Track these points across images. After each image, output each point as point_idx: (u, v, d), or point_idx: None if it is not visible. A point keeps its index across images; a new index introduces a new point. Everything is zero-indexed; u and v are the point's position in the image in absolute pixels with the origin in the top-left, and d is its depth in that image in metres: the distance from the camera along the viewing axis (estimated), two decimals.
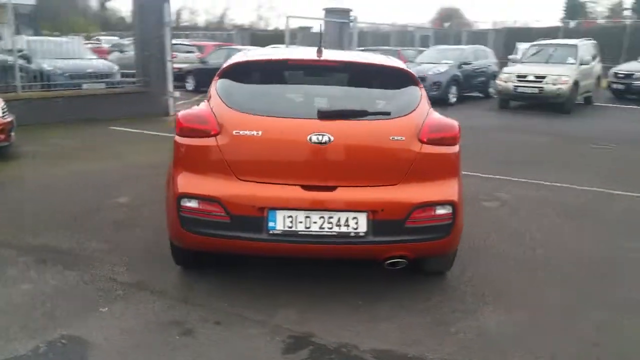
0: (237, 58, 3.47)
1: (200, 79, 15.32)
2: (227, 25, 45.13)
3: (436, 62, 14.96)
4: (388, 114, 3.06)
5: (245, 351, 2.70)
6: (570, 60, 13.53)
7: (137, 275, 3.54)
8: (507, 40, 21.92)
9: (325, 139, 2.89)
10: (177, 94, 11.80)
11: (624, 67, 15.81)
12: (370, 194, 2.95)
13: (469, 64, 15.17)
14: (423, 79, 14.10)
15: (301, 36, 21.01)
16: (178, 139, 3.14)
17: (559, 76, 12.80)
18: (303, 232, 2.92)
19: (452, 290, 3.43)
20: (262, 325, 2.94)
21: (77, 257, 3.83)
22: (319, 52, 3.51)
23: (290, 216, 2.92)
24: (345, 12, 15.22)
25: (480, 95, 15.97)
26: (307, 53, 3.56)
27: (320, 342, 2.78)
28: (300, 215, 2.92)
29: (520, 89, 13.18)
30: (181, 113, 3.20)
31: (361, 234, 2.93)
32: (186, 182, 3.05)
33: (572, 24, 22.52)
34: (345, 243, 2.94)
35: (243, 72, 3.32)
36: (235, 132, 2.97)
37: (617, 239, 4.42)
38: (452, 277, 3.58)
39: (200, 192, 3.00)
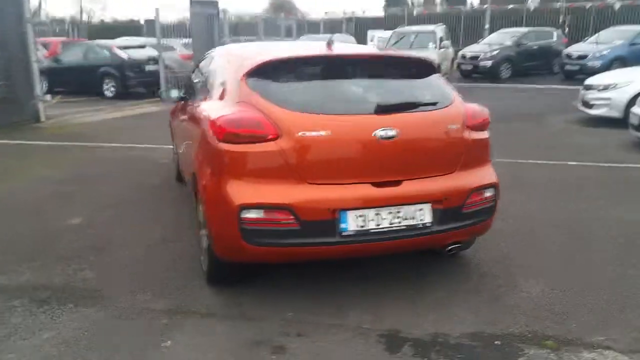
0: (262, 56, 3.25)
1: (56, 80, 13.63)
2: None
3: None
4: (435, 104, 3.16)
5: (354, 357, 2.64)
6: (431, 45, 14.85)
7: (170, 300, 3.21)
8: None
9: (391, 133, 2.90)
10: (48, 97, 10.50)
11: (470, 50, 17.77)
12: (432, 184, 3.04)
13: None
14: None
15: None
16: (224, 146, 2.90)
17: None
18: (375, 230, 2.92)
19: (477, 268, 3.67)
20: (344, 329, 2.89)
21: (81, 291, 3.33)
22: (329, 45, 3.47)
23: (362, 215, 2.89)
24: (213, 4, 14.76)
25: None
26: (320, 48, 3.49)
27: (412, 336, 2.83)
28: (371, 213, 2.91)
29: None
30: (223, 118, 2.94)
31: (427, 224, 3.01)
32: (245, 191, 2.84)
33: (415, 11, 24.71)
34: (414, 235, 3.00)
35: (277, 70, 3.13)
36: (301, 134, 2.83)
37: (562, 202, 5.07)
38: (465, 256, 3.82)
39: (267, 200, 2.82)
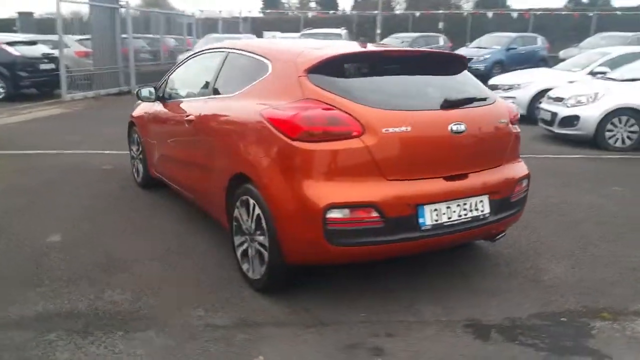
0: (325, 52, 3.14)
1: None
2: None
3: None
4: (486, 99, 3.28)
5: (456, 351, 2.67)
6: None
7: (230, 313, 2.98)
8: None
9: (462, 127, 2.97)
10: None
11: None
12: (490, 176, 3.16)
13: None
14: None
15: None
16: (301, 145, 2.77)
17: None
18: (448, 223, 2.97)
19: (498, 253, 3.88)
20: (426, 324, 2.91)
21: (119, 314, 2.96)
22: (364, 43, 3.47)
23: (436, 209, 2.93)
24: None
25: None
26: (364, 45, 3.46)
27: (490, 323, 2.92)
28: (443, 207, 2.96)
29: None
30: (299, 115, 2.80)
31: (487, 215, 3.13)
32: (330, 191, 2.73)
33: (309, 14, 25.11)
34: (476, 227, 3.10)
35: (338, 67, 3.04)
36: (385, 131, 2.79)
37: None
38: (482, 246, 4.02)
39: (353, 199, 2.74)
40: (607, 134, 7.81)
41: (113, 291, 3.22)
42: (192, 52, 4.64)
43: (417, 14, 23.05)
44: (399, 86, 3.14)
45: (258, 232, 3.12)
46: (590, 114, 7.83)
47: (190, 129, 3.96)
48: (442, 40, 20.14)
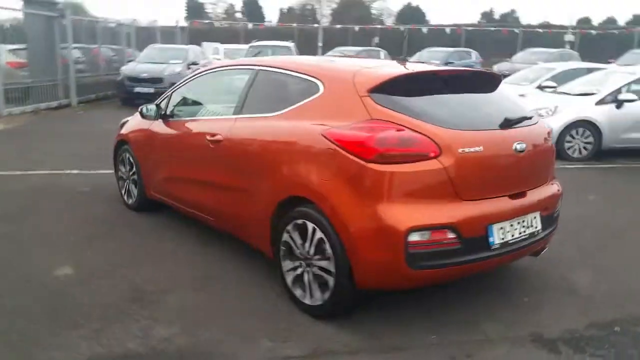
0: (384, 71, 3.10)
1: None
2: None
3: (163, 61, 14.35)
4: (531, 117, 3.37)
5: None
6: None
7: (298, 342, 2.85)
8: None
9: (524, 146, 3.04)
10: None
11: None
12: (541, 193, 3.25)
13: (197, 63, 15.16)
14: (160, 79, 13.52)
15: None
16: (378, 167, 2.71)
17: None
18: (512, 241, 3.02)
19: (519, 266, 3.96)
20: (497, 341, 2.93)
21: (182, 354, 2.73)
22: (404, 62, 3.48)
23: (502, 227, 2.97)
24: (52, 4, 12.92)
25: None
26: (417, 64, 3.45)
27: (553, 336, 2.98)
28: (508, 225, 3.00)
29: None
30: (375, 137, 2.74)
31: (539, 231, 3.21)
32: (411, 213, 2.69)
33: (250, 25, 24.85)
34: (531, 243, 3.17)
35: (400, 86, 3.01)
36: (461, 151, 2.79)
37: None
38: None
39: (433, 221, 2.71)
40: (566, 144, 8.31)
41: (160, 327, 2.98)
42: (202, 69, 4.43)
43: (357, 28, 23.59)
44: (461, 106, 3.17)
45: (317, 257, 3.02)
46: (552, 126, 8.29)
47: (216, 150, 3.77)
48: (382, 54, 20.68)
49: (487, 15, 48.64)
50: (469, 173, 2.85)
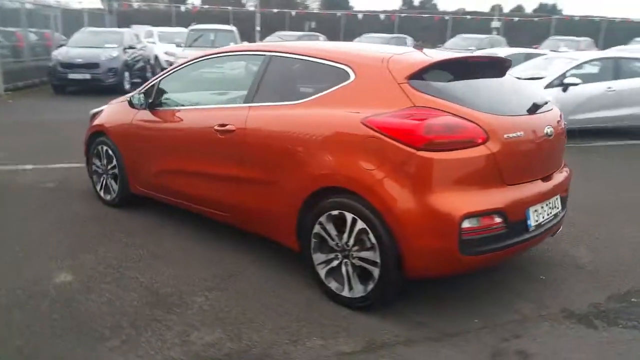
0: (420, 57, 3.03)
1: None
2: None
3: (97, 45, 13.46)
4: (547, 102, 3.44)
5: (586, 342, 2.80)
6: (232, 44, 14.78)
7: (349, 337, 2.78)
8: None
9: (552, 130, 3.11)
10: None
11: None
12: (560, 175, 3.35)
13: (134, 47, 14.40)
14: (96, 65, 12.73)
15: None
16: (429, 154, 2.68)
17: None
18: (543, 222, 3.10)
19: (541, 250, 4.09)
20: (538, 320, 3.00)
21: (230, 357, 2.58)
22: (420, 48, 3.45)
23: (536, 210, 3.04)
24: None
25: (140, 80, 15.36)
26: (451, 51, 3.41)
27: (584, 311, 3.10)
28: (540, 207, 3.08)
29: None
30: (423, 123, 2.69)
31: (560, 212, 3.33)
32: (463, 200, 2.68)
33: (182, 8, 23.73)
34: (556, 223, 3.28)
35: (437, 73, 2.98)
36: (506, 137, 2.81)
37: None
38: None
39: (484, 207, 2.72)
40: None
41: (199, 332, 2.80)
42: (199, 56, 4.15)
43: (293, 13, 23.30)
44: (491, 92, 3.19)
45: (356, 248, 2.95)
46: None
47: (227, 141, 3.57)
48: (321, 39, 20.58)
49: (408, 2, 49.95)
50: (512, 158, 2.88)
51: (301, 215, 3.20)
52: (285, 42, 4.19)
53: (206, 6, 23.58)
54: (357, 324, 2.90)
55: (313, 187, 3.09)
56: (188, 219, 4.31)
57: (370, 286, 2.92)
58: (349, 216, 2.93)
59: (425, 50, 3.42)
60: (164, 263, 3.64)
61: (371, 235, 2.85)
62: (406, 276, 2.85)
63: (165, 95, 4.24)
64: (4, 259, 3.62)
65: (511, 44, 21.35)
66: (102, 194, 4.85)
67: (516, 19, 26.64)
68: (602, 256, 3.95)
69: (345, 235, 2.98)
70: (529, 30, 25.54)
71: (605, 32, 25.54)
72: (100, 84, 12.64)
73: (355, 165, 2.89)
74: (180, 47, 14.72)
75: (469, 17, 25.75)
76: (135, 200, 4.63)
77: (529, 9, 43.94)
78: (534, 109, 3.15)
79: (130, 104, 4.31)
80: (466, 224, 2.67)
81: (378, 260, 2.85)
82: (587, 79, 8.88)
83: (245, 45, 4.14)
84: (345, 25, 24.00)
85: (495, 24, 23.16)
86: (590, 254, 3.97)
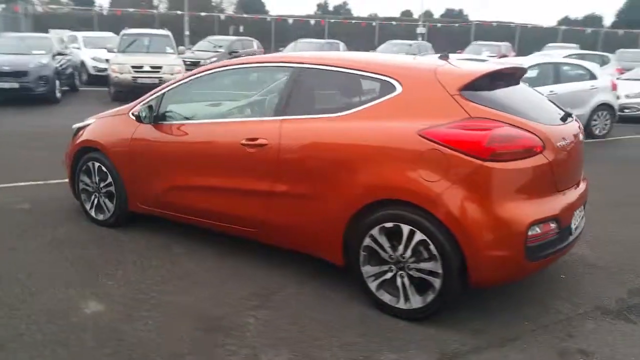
0: (479, 67, 3.12)
1: None
2: None
3: (24, 52, 12.48)
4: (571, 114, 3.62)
5: (626, 335, 3.01)
6: (169, 49, 14.31)
7: (419, 351, 2.80)
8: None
9: (581, 137, 3.30)
10: None
11: (189, 58, 17.69)
12: (584, 183, 3.53)
13: (63, 53, 13.50)
14: (25, 73, 11.82)
15: None
16: (495, 165, 2.77)
17: (173, 65, 13.41)
18: (578, 227, 3.29)
19: None
20: (579, 319, 3.16)
21: None
22: (445, 57, 3.57)
23: (574, 216, 3.22)
24: None
25: (68, 89, 14.39)
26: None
27: (614, 307, 3.32)
28: (576, 212, 3.25)
29: (140, 80, 12.98)
30: (487, 135, 2.78)
31: (584, 216, 3.54)
32: (528, 208, 2.81)
33: (104, 11, 22.42)
34: (582, 230, 3.47)
35: (483, 84, 3.07)
36: (559, 145, 2.95)
37: None
38: None
39: (545, 214, 2.87)
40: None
41: (266, 354, 2.71)
42: (208, 68, 3.96)
43: (222, 16, 22.81)
44: (529, 101, 3.33)
45: (413, 259, 2.98)
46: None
47: (258, 155, 3.46)
48: (255, 44, 20.41)
49: (322, 7, 50.73)
50: (562, 166, 3.04)
51: (348, 228, 3.17)
52: (313, 53, 4.13)
53: (131, 9, 22.54)
54: (419, 336, 2.93)
55: (364, 200, 3.08)
56: (192, 237, 4.16)
57: (431, 297, 2.96)
58: (406, 228, 2.95)
59: (451, 59, 3.53)
60: (193, 284, 3.47)
61: (432, 247, 2.89)
62: (469, 285, 2.91)
63: (174, 108, 4.04)
64: (14, 293, 3.28)
65: (436, 49, 22.33)
66: (93, 213, 4.52)
67: (439, 24, 27.92)
68: (606, 254, 4.17)
69: (401, 247, 2.99)
70: (450, 36, 26.88)
71: (519, 37, 27.38)
72: (30, 93, 11.72)
73: (414, 178, 2.92)
74: (113, 52, 13.99)
75: (394, 23, 26.74)
76: (130, 219, 4.38)
77: (436, 14, 46.27)
78: (564, 117, 3.34)
79: (138, 118, 4.06)
80: (531, 232, 2.79)
81: (440, 271, 2.89)
82: (532, 83, 9.52)
83: (266, 56, 4.03)
84: (276, 30, 23.95)
85: (420, 29, 24.15)
86: (595, 253, 4.21)
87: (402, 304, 3.06)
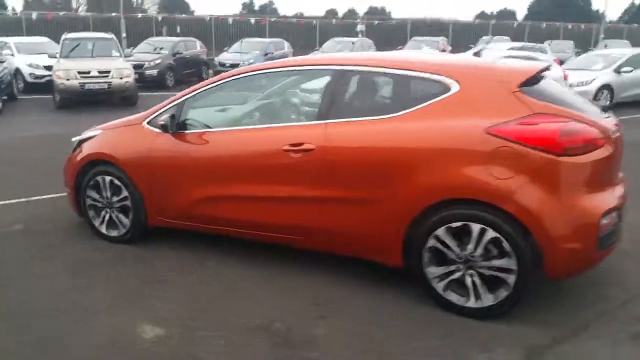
0: (533, 65, 3.14)
1: None
2: None
3: None
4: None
5: None
6: (115, 53, 13.65)
7: (509, 349, 2.83)
8: None
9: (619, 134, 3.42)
10: None
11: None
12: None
13: (2, 61, 12.54)
14: None
15: None
16: (569, 159, 2.84)
17: (122, 69, 12.78)
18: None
19: None
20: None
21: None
22: (478, 55, 3.63)
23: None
24: None
25: (6, 98, 13.34)
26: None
27: None
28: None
29: (88, 86, 12.28)
30: (558, 130, 2.83)
31: None
32: (599, 199, 2.90)
33: (33, 15, 20.75)
34: None
35: (535, 81, 3.14)
36: (613, 137, 3.04)
37: None
38: None
39: (611, 205, 2.96)
40: None
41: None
42: (230, 75, 3.79)
43: (160, 18, 21.96)
44: (572, 96, 3.42)
45: (483, 258, 2.99)
46: None
47: (304, 160, 3.35)
48: (198, 45, 19.83)
49: (248, 6, 50.19)
50: (616, 158, 3.14)
51: (409, 230, 3.15)
52: (354, 55, 4.04)
53: (61, 13, 21.14)
54: (497, 333, 2.94)
55: (428, 201, 3.06)
56: (218, 248, 4.02)
57: (504, 293, 2.98)
58: (476, 227, 2.96)
59: (483, 55, 3.58)
60: (243, 297, 3.34)
61: (505, 244, 2.91)
62: (544, 279, 2.97)
63: (198, 116, 3.84)
64: (63, 326, 2.99)
65: (376, 45, 22.73)
66: (104, 230, 4.22)
67: (376, 22, 28.41)
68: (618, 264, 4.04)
69: (470, 246, 3.00)
70: (387, 32, 27.43)
71: (452, 32, 28.40)
72: None
73: (484, 176, 2.92)
74: (55, 57, 13.13)
75: (334, 21, 26.93)
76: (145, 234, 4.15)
77: (360, 12, 47.04)
78: (604, 111, 3.47)
79: (159, 127, 3.80)
80: (603, 221, 2.88)
81: (514, 267, 2.92)
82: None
83: (301, 59, 3.90)
84: (216, 29, 23.40)
85: (360, 27, 24.47)
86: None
87: (472, 303, 3.07)
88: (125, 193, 4.06)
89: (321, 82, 3.54)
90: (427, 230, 3.08)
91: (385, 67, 3.39)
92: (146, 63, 16.49)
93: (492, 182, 2.91)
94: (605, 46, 27.06)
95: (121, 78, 12.63)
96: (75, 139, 4.47)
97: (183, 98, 3.89)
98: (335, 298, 3.32)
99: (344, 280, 3.53)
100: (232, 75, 3.82)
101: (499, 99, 3.02)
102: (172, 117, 3.80)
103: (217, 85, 3.84)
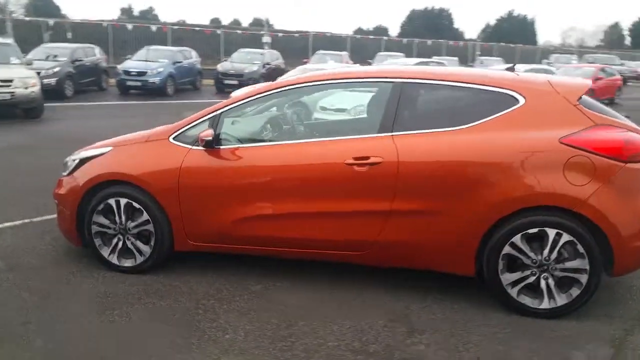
0: (583, 80, 3.31)
1: None
2: None
3: None
4: None
5: None
6: (15, 60, 12.29)
7: (595, 344, 2.96)
8: None
9: None
10: None
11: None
12: None
13: None
14: None
15: None
16: (634, 166, 3.08)
17: (26, 78, 11.53)
18: None
19: None
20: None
21: None
22: (512, 69, 3.83)
23: None
24: None
25: None
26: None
27: None
28: None
29: None
30: (623, 139, 3.07)
31: None
32: None
33: None
34: None
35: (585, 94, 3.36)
36: None
37: None
38: None
39: None
40: None
41: None
42: (273, 88, 3.57)
43: (51, 22, 19.99)
44: (606, 107, 3.69)
45: (557, 260, 3.14)
46: None
47: (371, 173, 3.27)
48: (97, 51, 18.44)
49: (127, 12, 47.94)
50: None
51: (485, 239, 3.21)
52: (418, 68, 4.00)
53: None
54: (574, 331, 3.09)
55: (506, 210, 3.14)
56: (254, 270, 3.79)
57: (577, 292, 3.15)
58: (552, 232, 3.10)
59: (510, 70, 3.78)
60: (313, 320, 3.17)
61: (579, 246, 3.08)
62: (613, 276, 3.19)
63: (239, 130, 3.59)
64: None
65: (283, 57, 22.83)
66: (115, 260, 3.76)
67: (280, 34, 28.52)
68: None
69: (546, 251, 3.13)
70: (291, 45, 27.67)
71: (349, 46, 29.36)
72: None
73: (561, 183, 3.07)
74: None
75: (239, 31, 26.52)
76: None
77: (245, 23, 46.89)
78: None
79: (207, 144, 3.47)
80: None
81: (587, 267, 3.10)
82: None
83: (355, 71, 3.76)
84: (115, 36, 21.93)
85: (266, 39, 24.39)
86: None
87: (545, 304, 3.19)
88: (145, 217, 3.65)
89: (378, 95, 3.48)
90: (503, 238, 3.16)
91: (450, 81, 3.44)
92: (43, 71, 14.95)
93: (570, 189, 3.07)
94: (481, 62, 30.02)
95: (26, 88, 11.38)
96: (71, 158, 3.95)
97: (219, 111, 3.61)
98: (410, 311, 3.29)
99: (411, 292, 3.51)
100: (278, 87, 3.63)
101: (564, 112, 3.20)
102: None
103: (257, 99, 3.63)
